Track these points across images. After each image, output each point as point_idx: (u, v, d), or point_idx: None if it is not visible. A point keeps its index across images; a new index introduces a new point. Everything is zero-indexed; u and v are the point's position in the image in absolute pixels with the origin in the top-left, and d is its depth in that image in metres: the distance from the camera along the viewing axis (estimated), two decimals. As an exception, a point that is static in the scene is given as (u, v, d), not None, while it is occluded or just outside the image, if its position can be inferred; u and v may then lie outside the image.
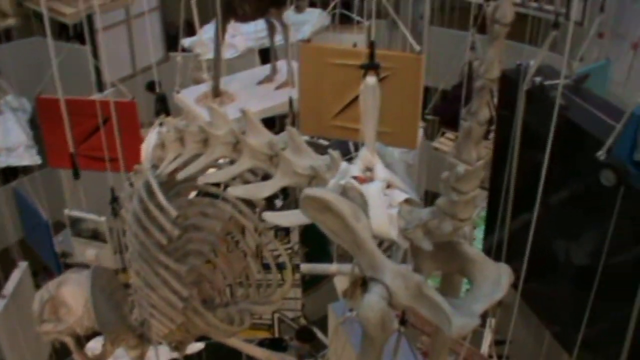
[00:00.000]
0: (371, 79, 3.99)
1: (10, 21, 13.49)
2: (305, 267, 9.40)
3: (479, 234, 10.43)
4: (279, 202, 8.31)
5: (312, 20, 12.35)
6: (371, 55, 4.03)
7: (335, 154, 4.57)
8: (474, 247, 4.44)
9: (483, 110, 3.61)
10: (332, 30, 12.94)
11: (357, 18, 11.38)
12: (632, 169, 6.11)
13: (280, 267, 7.33)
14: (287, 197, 8.21)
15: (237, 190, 5.26)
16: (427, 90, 13.62)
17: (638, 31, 11.41)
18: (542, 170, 5.39)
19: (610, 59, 10.68)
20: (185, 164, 5.70)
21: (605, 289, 7.23)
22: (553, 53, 8.59)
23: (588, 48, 11.21)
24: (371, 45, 4.08)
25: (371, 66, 3.99)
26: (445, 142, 13.18)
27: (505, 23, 3.46)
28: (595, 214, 7.20)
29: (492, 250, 8.95)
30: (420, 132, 12.41)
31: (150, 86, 12.15)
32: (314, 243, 9.60)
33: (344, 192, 4.22)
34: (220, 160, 5.73)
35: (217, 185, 6.23)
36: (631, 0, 10.93)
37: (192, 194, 6.89)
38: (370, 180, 4.20)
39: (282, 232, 8.52)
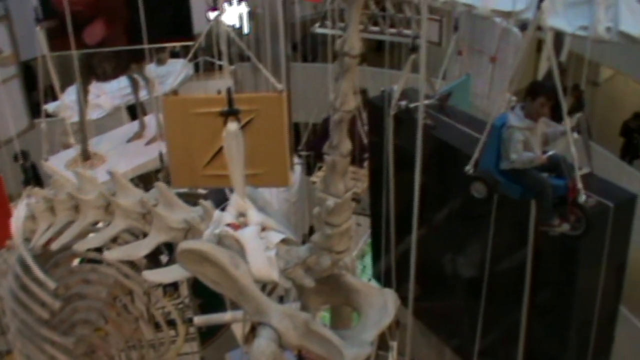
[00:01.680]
0: (232, 125, 3.98)
1: None
2: (199, 320, 9.23)
3: (369, 261, 10.54)
4: (164, 258, 8.16)
5: (176, 71, 12.32)
6: (229, 102, 4.02)
7: (207, 203, 4.54)
8: (358, 276, 4.47)
9: (344, 143, 3.65)
10: (197, 79, 12.96)
11: (220, 63, 11.40)
12: (501, 179, 6.28)
13: (173, 323, 7.21)
14: (173, 252, 8.07)
15: (114, 253, 5.18)
16: (299, 126, 13.76)
17: (494, 45, 11.83)
18: (415, 191, 5.50)
19: (470, 74, 11.04)
20: (59, 233, 5.58)
21: (495, 296, 7.41)
22: (417, 75, 8.79)
23: (449, 66, 11.60)
24: (228, 91, 4.07)
25: (230, 112, 3.99)
26: (322, 176, 13.25)
27: (354, 55, 3.52)
28: (477, 226, 7.37)
29: (381, 276, 9.06)
30: (298, 169, 12.51)
31: (17, 157, 11.79)
32: (207, 293, 9.45)
33: (220, 241, 4.18)
34: (100, 224, 5.62)
35: (99, 250, 6.10)
36: (482, 18, 11.34)
37: (76, 262, 6.73)
38: (244, 225, 4.18)
39: (171, 288, 8.38)
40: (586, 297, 6.88)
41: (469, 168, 6.40)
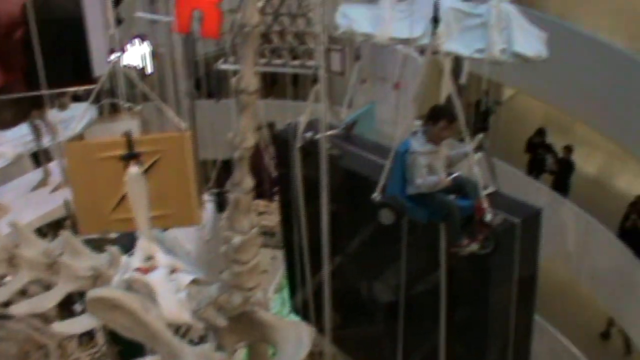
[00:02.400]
0: (133, 169, 3.94)
1: None
2: (117, 368, 9.06)
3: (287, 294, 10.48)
4: (79, 307, 7.96)
5: (78, 115, 12.08)
6: (129, 145, 3.98)
7: (114, 249, 4.48)
8: (271, 312, 4.46)
9: (246, 180, 3.65)
10: (102, 122, 12.70)
11: (124, 104, 11.26)
12: (408, 203, 6.35)
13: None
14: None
15: (21, 307, 5.04)
16: (207, 164, 13.65)
17: (396, 72, 11.96)
18: (324, 221, 5.52)
19: (374, 102, 11.13)
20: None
21: (413, 319, 7.47)
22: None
23: (354, 95, 11.69)
24: (127, 135, 4.03)
25: (130, 156, 3.95)
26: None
27: (251, 91, 3.54)
28: (390, 252, 7.41)
29: (300, 308, 9.03)
30: (210, 206, 12.41)
31: None
32: (125, 339, 9.23)
33: (129, 286, 4.12)
34: (9, 278, 5.47)
35: (6, 305, 5.91)
36: (382, 46, 11.44)
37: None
38: (153, 269, 4.13)
39: (87, 337, 8.17)
40: (500, 311, 7.00)
41: (376, 195, 6.47)
